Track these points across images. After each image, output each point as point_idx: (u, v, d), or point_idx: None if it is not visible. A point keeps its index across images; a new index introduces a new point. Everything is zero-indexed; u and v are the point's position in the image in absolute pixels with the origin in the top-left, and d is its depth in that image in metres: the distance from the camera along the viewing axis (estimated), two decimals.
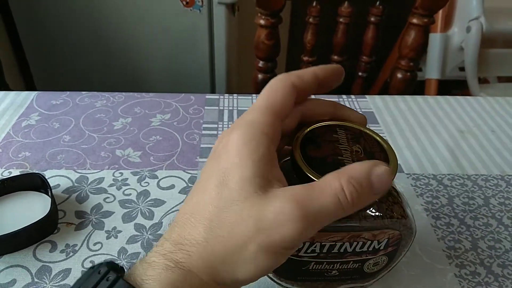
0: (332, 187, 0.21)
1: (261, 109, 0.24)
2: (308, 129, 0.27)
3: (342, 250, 0.27)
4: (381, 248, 0.28)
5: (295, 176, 0.25)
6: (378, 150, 0.26)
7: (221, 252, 0.22)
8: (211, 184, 0.23)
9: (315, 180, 0.23)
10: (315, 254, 0.27)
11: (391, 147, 0.27)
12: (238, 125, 0.24)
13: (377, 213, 0.26)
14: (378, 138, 0.27)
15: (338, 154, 0.25)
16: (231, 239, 0.21)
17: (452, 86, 1.72)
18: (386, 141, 0.27)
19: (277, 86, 0.25)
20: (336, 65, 0.28)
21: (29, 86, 1.39)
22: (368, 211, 0.26)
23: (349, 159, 0.25)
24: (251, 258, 0.21)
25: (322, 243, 0.26)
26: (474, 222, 0.41)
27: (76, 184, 0.43)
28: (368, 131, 0.28)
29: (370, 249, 0.28)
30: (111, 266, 0.23)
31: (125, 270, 0.24)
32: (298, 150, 0.25)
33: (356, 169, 0.22)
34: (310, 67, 0.27)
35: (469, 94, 1.30)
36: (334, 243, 0.26)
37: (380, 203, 0.27)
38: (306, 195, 0.21)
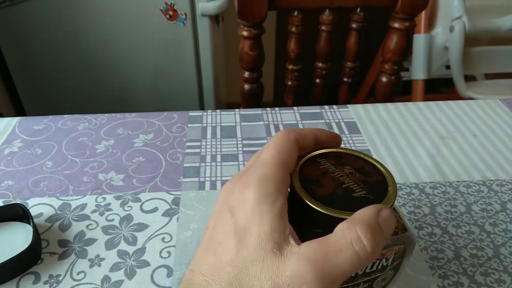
0: (348, 239, 0.21)
1: (272, 164, 0.24)
2: (298, 170, 0.27)
3: (353, 275, 0.27)
4: (389, 264, 0.28)
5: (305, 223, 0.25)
6: (364, 164, 0.27)
7: None
8: (229, 244, 0.22)
9: (342, 218, 0.23)
10: None
11: (392, 177, 0.27)
12: (252, 181, 0.24)
13: None
14: (356, 154, 0.28)
15: (342, 183, 0.26)
16: None
17: (440, 84, 1.74)
18: (365, 154, 0.27)
19: (283, 142, 0.26)
20: (335, 134, 0.29)
21: (18, 109, 1.39)
22: None
23: (352, 183, 0.25)
24: None
25: None
26: (456, 231, 0.41)
27: (59, 212, 0.43)
28: (343, 151, 0.28)
29: (379, 267, 0.28)
30: None
31: None
32: (307, 195, 0.25)
33: (365, 215, 0.22)
34: (311, 128, 0.28)
35: (456, 92, 1.31)
36: None
37: None
38: (323, 254, 0.21)
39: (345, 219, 0.23)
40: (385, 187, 0.26)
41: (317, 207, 0.24)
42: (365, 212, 0.22)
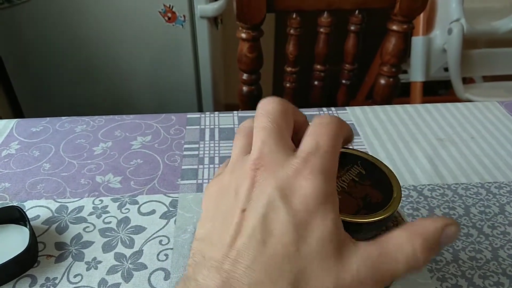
0: (404, 251, 0.20)
1: (333, 156, 0.22)
2: None
3: None
4: None
5: None
6: (368, 164, 0.26)
7: None
8: (286, 237, 0.20)
9: (353, 222, 0.23)
10: None
11: (398, 181, 0.26)
12: (314, 172, 0.21)
13: None
14: (360, 154, 0.27)
15: (348, 186, 0.25)
16: None
17: (439, 87, 1.74)
18: (393, 173, 0.27)
19: (340, 131, 0.24)
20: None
21: (16, 111, 1.39)
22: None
23: (357, 185, 0.25)
24: None
25: None
26: None
27: (56, 214, 0.43)
28: (347, 151, 0.28)
29: None
30: None
31: None
32: None
33: (429, 229, 0.21)
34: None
35: (455, 94, 1.31)
36: None
37: (388, 218, 0.26)
38: (380, 260, 0.20)
39: (357, 222, 0.23)
40: (389, 187, 0.26)
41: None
42: (430, 226, 0.21)
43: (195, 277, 0.21)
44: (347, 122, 0.56)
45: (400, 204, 0.44)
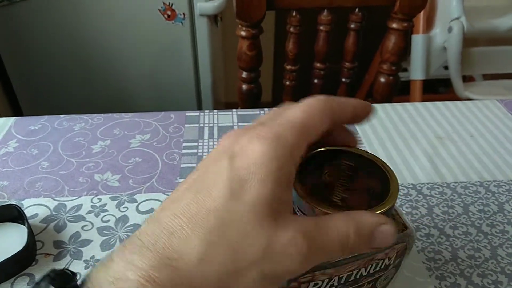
0: (339, 232, 0.21)
1: (294, 128, 0.22)
2: (317, 152, 0.27)
3: (358, 276, 0.27)
4: (391, 263, 0.28)
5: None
6: (380, 180, 0.26)
7: (216, 274, 0.19)
8: (219, 190, 0.20)
9: (315, 207, 0.23)
10: (335, 286, 0.27)
11: (396, 179, 0.26)
12: (266, 136, 0.21)
13: None
14: (358, 152, 0.27)
15: (337, 179, 0.25)
16: (233, 261, 0.19)
17: (439, 85, 1.74)
18: (392, 171, 0.26)
19: (316, 110, 0.23)
20: (368, 103, 0.26)
21: (16, 110, 1.39)
22: None
23: (347, 185, 0.25)
24: (248, 285, 0.19)
25: (340, 276, 0.27)
26: (453, 232, 0.41)
27: (54, 213, 0.43)
28: (377, 160, 0.28)
29: (382, 266, 0.28)
30: (60, 279, 0.20)
31: (77, 279, 0.21)
32: (297, 175, 0.24)
33: (364, 219, 0.22)
34: (349, 99, 0.25)
35: (455, 92, 1.31)
36: (351, 272, 0.26)
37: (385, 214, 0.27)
38: (316, 233, 0.21)
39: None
40: (387, 186, 0.26)
41: (317, 205, 0.23)
42: (367, 216, 0.22)
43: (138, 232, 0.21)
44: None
45: (400, 202, 0.44)
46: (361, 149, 0.28)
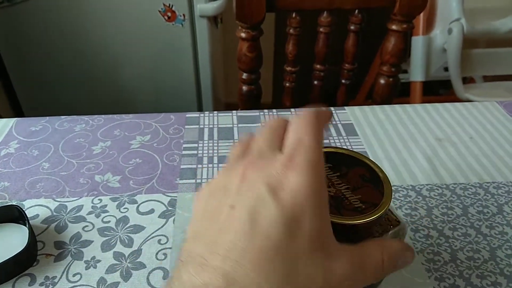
0: (376, 260, 0.23)
1: (318, 150, 0.22)
2: None
3: None
4: None
5: None
6: (359, 164, 0.27)
7: None
8: (276, 232, 0.20)
9: (338, 223, 0.24)
10: None
11: (389, 183, 0.27)
12: (301, 165, 0.21)
13: (381, 232, 0.27)
14: (352, 154, 0.28)
15: (336, 183, 0.26)
16: None
17: (439, 86, 1.74)
18: (385, 174, 0.27)
19: (320, 124, 0.24)
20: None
21: (16, 110, 1.39)
22: (374, 233, 0.27)
23: (344, 190, 0.26)
24: None
25: None
26: (453, 233, 0.41)
27: (55, 214, 0.43)
28: (340, 151, 0.28)
29: None
30: None
31: None
32: None
33: (394, 247, 0.24)
34: (326, 108, 0.26)
35: (455, 94, 1.31)
36: None
37: (380, 218, 0.26)
38: (360, 262, 0.22)
39: (342, 223, 0.24)
40: (380, 190, 0.26)
41: (346, 221, 0.24)
42: (396, 245, 0.24)
43: (180, 275, 0.20)
44: (346, 122, 0.57)
45: (399, 204, 0.44)
46: (343, 148, 0.28)
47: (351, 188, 0.26)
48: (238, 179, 0.22)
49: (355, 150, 0.53)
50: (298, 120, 0.24)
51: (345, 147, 0.53)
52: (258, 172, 0.22)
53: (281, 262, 0.19)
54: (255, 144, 0.25)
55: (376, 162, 0.28)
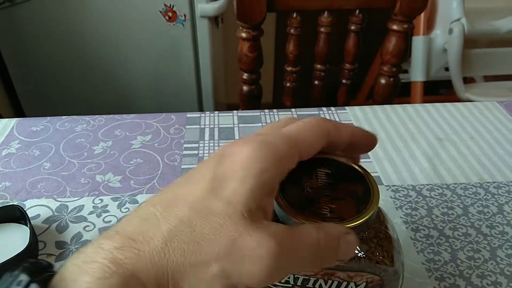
0: (311, 237, 0.21)
1: (287, 138, 0.22)
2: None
3: (317, 286, 0.27)
4: None
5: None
6: (362, 193, 0.25)
7: (177, 263, 0.19)
8: (198, 184, 0.21)
9: (293, 219, 0.23)
10: (290, 286, 0.27)
11: (378, 192, 0.26)
12: (256, 140, 0.22)
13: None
14: (368, 179, 0.27)
15: (317, 188, 0.25)
16: (196, 252, 0.19)
17: (440, 86, 1.74)
18: (375, 183, 0.26)
19: (315, 127, 0.24)
20: (371, 135, 0.27)
21: (17, 111, 1.39)
22: None
23: (327, 195, 0.25)
24: (207, 281, 0.19)
25: (295, 275, 0.26)
26: (453, 233, 0.41)
27: (56, 213, 0.43)
28: (362, 171, 0.27)
29: None
30: (34, 269, 0.19)
31: (54, 271, 0.20)
32: (286, 205, 0.24)
33: (333, 228, 0.22)
34: (349, 126, 0.25)
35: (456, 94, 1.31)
36: (307, 277, 0.26)
37: (361, 244, 0.25)
38: (288, 237, 0.20)
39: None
40: (359, 210, 0.25)
41: (297, 218, 0.23)
42: (335, 227, 0.22)
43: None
44: (347, 122, 0.57)
45: (399, 204, 0.44)
46: (338, 155, 0.27)
47: (331, 197, 0.25)
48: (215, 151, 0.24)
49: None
50: (304, 119, 0.24)
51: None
52: (225, 146, 0.23)
53: (189, 211, 0.20)
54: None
55: (378, 187, 0.27)
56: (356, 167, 0.27)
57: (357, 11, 0.89)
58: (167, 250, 0.19)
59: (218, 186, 0.20)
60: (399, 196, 0.46)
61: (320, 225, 0.22)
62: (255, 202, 0.20)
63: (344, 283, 0.26)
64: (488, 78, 1.51)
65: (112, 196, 0.46)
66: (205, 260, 0.19)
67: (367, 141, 0.26)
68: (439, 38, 1.29)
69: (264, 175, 0.21)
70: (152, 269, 0.18)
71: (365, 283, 0.26)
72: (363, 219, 0.23)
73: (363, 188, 0.25)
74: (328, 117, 0.59)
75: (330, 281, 0.26)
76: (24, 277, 0.18)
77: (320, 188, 0.25)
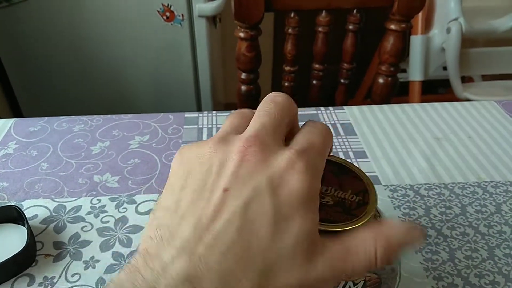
0: (367, 250, 0.21)
1: (323, 156, 0.23)
2: None
3: None
4: None
5: None
6: (359, 192, 0.25)
7: None
8: (264, 229, 0.19)
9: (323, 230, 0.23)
10: None
11: (375, 190, 0.26)
12: (306, 170, 0.21)
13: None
14: (363, 178, 0.27)
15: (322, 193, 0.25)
16: None
17: (438, 85, 1.74)
18: (371, 182, 0.26)
19: (329, 133, 0.25)
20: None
21: (15, 111, 1.39)
22: None
23: (327, 196, 0.25)
24: None
25: None
26: (451, 232, 0.41)
27: (53, 214, 0.43)
28: (357, 171, 0.27)
29: None
30: None
31: None
32: None
33: (393, 230, 0.21)
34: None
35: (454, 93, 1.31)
36: None
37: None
38: (344, 258, 0.21)
39: (326, 231, 0.23)
40: (365, 198, 0.25)
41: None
42: (394, 228, 0.21)
43: (159, 254, 0.19)
44: (345, 122, 0.57)
45: (397, 203, 0.44)
46: (336, 157, 0.27)
47: (328, 197, 0.25)
48: (237, 157, 0.21)
49: (353, 149, 0.53)
50: (314, 126, 0.24)
51: (343, 147, 0.53)
52: (261, 161, 0.21)
53: (261, 260, 0.19)
54: (258, 125, 0.23)
55: (360, 168, 0.27)
56: (350, 167, 0.27)
57: (355, 11, 0.89)
58: None
59: (284, 228, 0.20)
60: (397, 195, 0.46)
61: (377, 232, 0.21)
62: (315, 233, 0.21)
63: (342, 282, 0.26)
64: (486, 77, 1.51)
65: (110, 197, 0.45)
66: None
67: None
68: (437, 38, 1.29)
69: (316, 205, 0.21)
70: None
71: (363, 281, 0.26)
72: (363, 221, 0.23)
73: (360, 188, 0.25)
74: (326, 117, 0.59)
75: None
76: None
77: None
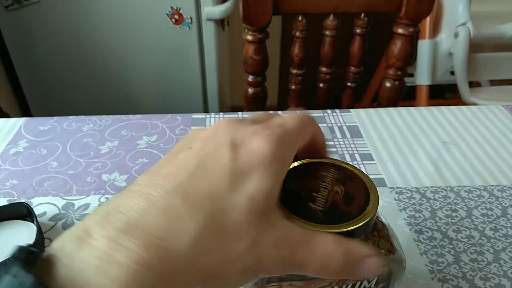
0: (325, 251, 0.20)
1: (296, 135, 0.23)
2: (299, 163, 0.26)
3: None
4: (372, 286, 0.26)
5: None
6: (361, 195, 0.26)
7: (205, 261, 0.18)
8: (219, 177, 0.20)
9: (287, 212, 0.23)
10: None
11: (377, 194, 0.26)
12: (270, 136, 0.21)
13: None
14: (366, 181, 0.26)
15: (314, 191, 0.25)
16: (224, 252, 0.19)
17: (445, 90, 1.74)
18: (373, 185, 0.26)
19: (308, 122, 0.25)
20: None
21: (24, 111, 1.40)
22: None
23: (323, 198, 0.24)
24: (231, 277, 0.19)
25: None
26: (456, 235, 0.41)
27: (62, 211, 0.44)
28: (360, 174, 0.27)
29: None
30: (28, 255, 0.17)
31: (42, 257, 0.17)
32: (286, 211, 0.24)
33: (356, 247, 0.21)
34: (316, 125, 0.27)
35: (461, 98, 1.31)
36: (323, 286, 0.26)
37: (366, 240, 0.25)
38: (302, 245, 0.20)
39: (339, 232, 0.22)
40: (366, 199, 0.25)
41: (290, 219, 0.22)
42: (358, 247, 0.21)
43: (114, 197, 0.20)
44: (351, 124, 0.57)
45: (403, 205, 0.44)
46: (339, 160, 0.27)
47: (332, 195, 0.25)
48: (209, 129, 0.23)
49: (360, 152, 0.53)
50: (293, 113, 0.25)
51: (350, 149, 0.53)
52: (229, 128, 0.22)
53: (211, 205, 0.19)
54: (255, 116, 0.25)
55: (361, 170, 0.26)
56: (351, 168, 0.27)
57: (362, 15, 0.89)
58: (195, 249, 0.18)
59: (239, 181, 0.20)
60: (403, 198, 0.46)
61: (342, 240, 0.21)
62: (273, 198, 0.21)
63: (358, 283, 0.26)
64: (494, 83, 1.51)
65: None
66: (231, 259, 0.19)
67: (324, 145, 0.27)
68: (445, 42, 1.29)
69: (280, 173, 0.21)
70: (179, 269, 0.17)
71: (377, 277, 0.26)
72: (365, 220, 0.23)
73: (361, 188, 0.25)
74: (332, 119, 0.59)
75: (345, 286, 0.25)
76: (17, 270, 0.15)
77: (316, 188, 0.25)
